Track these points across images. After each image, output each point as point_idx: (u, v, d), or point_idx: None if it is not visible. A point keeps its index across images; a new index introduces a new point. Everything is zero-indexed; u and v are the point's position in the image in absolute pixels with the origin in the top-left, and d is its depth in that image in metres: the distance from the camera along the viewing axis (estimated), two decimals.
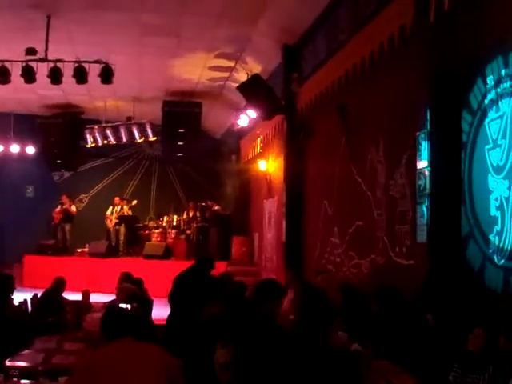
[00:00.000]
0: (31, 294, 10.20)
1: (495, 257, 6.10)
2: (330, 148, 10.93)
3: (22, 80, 12.50)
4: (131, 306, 6.80)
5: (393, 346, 5.72)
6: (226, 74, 15.99)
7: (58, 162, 19.61)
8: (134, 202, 19.81)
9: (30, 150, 19.92)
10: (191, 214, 18.98)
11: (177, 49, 14.15)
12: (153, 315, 8.33)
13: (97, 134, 18.89)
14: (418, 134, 7.00)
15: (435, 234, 6.74)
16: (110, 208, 19.50)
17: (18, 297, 8.60)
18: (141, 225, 19.78)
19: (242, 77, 14.52)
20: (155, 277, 14.03)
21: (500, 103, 6.12)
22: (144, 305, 7.94)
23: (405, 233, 7.83)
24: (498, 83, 6.16)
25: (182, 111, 17.56)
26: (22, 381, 4.51)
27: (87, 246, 19.00)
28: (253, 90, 12.82)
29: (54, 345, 6.53)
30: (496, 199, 6.12)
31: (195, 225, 18.48)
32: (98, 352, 4.17)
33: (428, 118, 6.81)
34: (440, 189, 6.76)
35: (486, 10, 6.34)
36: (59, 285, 9.72)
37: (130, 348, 4.11)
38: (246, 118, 14.56)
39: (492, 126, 6.26)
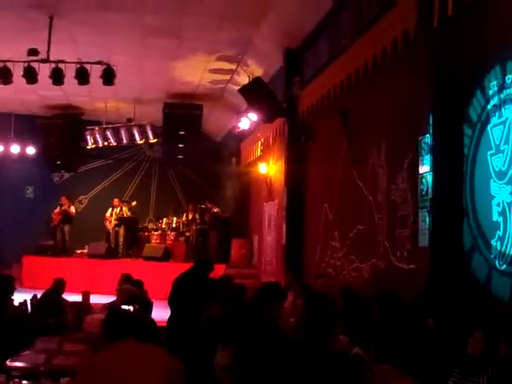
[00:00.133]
0: (30, 294, 10.18)
1: (497, 262, 6.10)
2: (332, 152, 10.93)
3: (24, 80, 12.51)
4: (133, 308, 6.79)
5: (393, 350, 5.73)
6: (228, 77, 16.01)
7: (58, 162, 19.64)
8: (134, 203, 19.80)
9: (30, 150, 19.92)
10: (191, 217, 18.98)
11: (178, 51, 14.17)
12: (152, 317, 8.31)
13: (97, 136, 18.88)
14: (420, 138, 7.00)
15: (437, 238, 6.75)
16: (110, 209, 19.50)
17: (17, 297, 8.58)
18: (140, 226, 19.77)
19: (244, 80, 14.53)
20: (154, 279, 14.01)
21: (503, 109, 6.12)
22: (144, 306, 7.94)
23: (406, 237, 7.83)
24: (500, 89, 6.16)
25: (183, 113, 17.58)
26: (24, 381, 4.51)
27: (86, 247, 18.99)
28: (254, 93, 12.83)
29: (54, 346, 6.52)
30: (498, 204, 6.13)
31: (195, 227, 18.47)
32: (101, 353, 4.17)
33: (431, 122, 6.81)
34: (442, 193, 6.77)
35: (490, 14, 6.35)
36: (59, 286, 9.71)
37: (132, 349, 4.11)
38: (247, 120, 14.57)
39: (495, 131, 6.26)
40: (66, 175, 21.28)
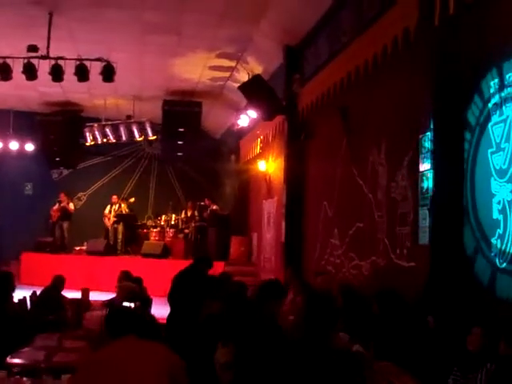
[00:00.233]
0: (28, 291, 10.17)
1: (497, 260, 6.11)
2: (331, 149, 10.93)
3: (23, 77, 12.50)
4: (134, 305, 6.80)
5: (394, 347, 5.74)
6: (227, 74, 16.00)
7: (57, 159, 19.59)
8: (132, 200, 19.79)
9: (29, 147, 19.87)
10: (189, 214, 18.99)
11: (178, 48, 14.15)
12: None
13: (96, 132, 18.86)
14: (420, 136, 7.00)
15: (437, 236, 6.76)
16: (108, 206, 19.50)
17: (16, 294, 8.55)
18: (139, 223, 19.78)
19: (243, 77, 14.53)
20: (153, 276, 14.04)
21: (504, 107, 6.13)
22: (143, 303, 7.94)
23: (406, 235, 7.84)
24: (501, 87, 6.17)
25: (182, 110, 17.57)
26: (25, 378, 4.52)
27: (85, 244, 19.00)
28: (254, 91, 12.82)
29: (54, 342, 6.53)
30: (498, 203, 6.14)
31: (193, 224, 18.48)
32: (101, 350, 4.17)
33: (431, 120, 6.82)
34: (442, 191, 6.77)
35: (491, 13, 6.35)
36: (59, 283, 9.71)
37: (133, 346, 4.11)
38: (247, 118, 14.56)
39: (495, 129, 6.27)
40: (65, 172, 21.26)
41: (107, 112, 18.78)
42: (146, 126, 18.62)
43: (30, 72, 12.37)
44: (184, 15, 12.30)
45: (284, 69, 13.07)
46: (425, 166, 6.92)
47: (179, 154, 18.58)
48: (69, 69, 12.46)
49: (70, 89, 16.40)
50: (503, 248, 6.03)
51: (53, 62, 12.32)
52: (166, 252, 17.88)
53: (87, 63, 12.55)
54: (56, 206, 19.46)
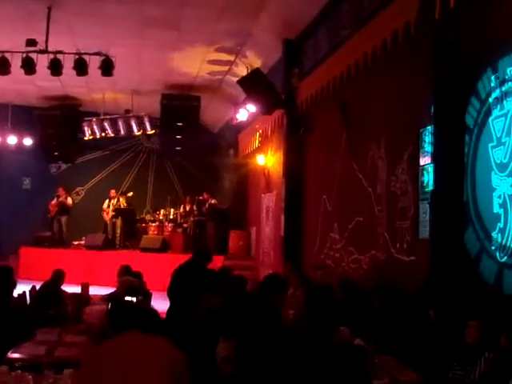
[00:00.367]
0: (27, 285, 10.14)
1: (497, 254, 6.12)
2: (331, 143, 10.92)
3: (22, 71, 12.46)
4: (136, 299, 6.80)
5: (394, 341, 5.75)
6: (226, 68, 15.96)
7: (56, 154, 19.56)
8: (130, 194, 19.78)
9: (28, 141, 19.79)
10: (188, 208, 18.97)
11: (177, 42, 14.12)
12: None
13: (95, 127, 18.82)
14: (421, 130, 7.00)
15: (437, 230, 6.76)
16: (107, 201, 19.48)
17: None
18: (137, 218, 19.76)
19: (242, 71, 14.51)
20: (152, 270, 14.03)
21: (505, 101, 6.13)
22: (143, 298, 7.94)
23: (406, 229, 7.84)
24: (502, 82, 6.17)
25: (181, 105, 17.54)
26: (26, 373, 4.52)
27: (84, 238, 18.98)
28: (253, 85, 12.81)
29: (55, 337, 6.51)
30: (499, 197, 6.14)
31: (192, 218, 18.46)
32: (104, 345, 4.16)
33: (432, 114, 6.81)
34: (443, 185, 6.78)
35: (492, 6, 6.35)
36: (58, 277, 9.67)
37: (135, 341, 4.10)
38: (245, 112, 14.53)
39: (496, 123, 6.27)
40: (64, 166, 21.22)
41: (106, 106, 18.73)
42: (145, 120, 18.58)
43: (29, 66, 12.33)
44: (184, 9, 12.27)
45: (283, 62, 13.04)
46: (425, 159, 6.92)
47: (178, 148, 18.57)
48: (67, 63, 12.42)
49: (69, 83, 16.37)
50: (503, 242, 6.04)
51: (51, 56, 12.28)
52: (164, 246, 17.87)
53: (86, 57, 12.52)
54: (54, 201, 19.44)
